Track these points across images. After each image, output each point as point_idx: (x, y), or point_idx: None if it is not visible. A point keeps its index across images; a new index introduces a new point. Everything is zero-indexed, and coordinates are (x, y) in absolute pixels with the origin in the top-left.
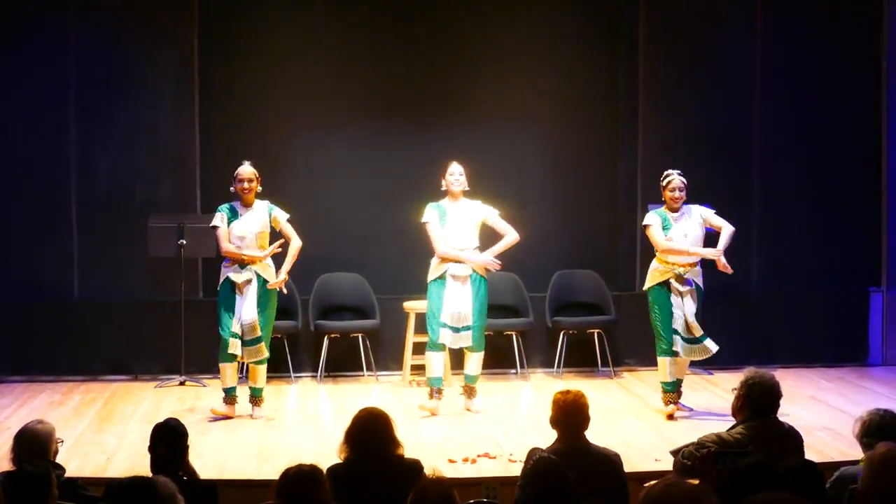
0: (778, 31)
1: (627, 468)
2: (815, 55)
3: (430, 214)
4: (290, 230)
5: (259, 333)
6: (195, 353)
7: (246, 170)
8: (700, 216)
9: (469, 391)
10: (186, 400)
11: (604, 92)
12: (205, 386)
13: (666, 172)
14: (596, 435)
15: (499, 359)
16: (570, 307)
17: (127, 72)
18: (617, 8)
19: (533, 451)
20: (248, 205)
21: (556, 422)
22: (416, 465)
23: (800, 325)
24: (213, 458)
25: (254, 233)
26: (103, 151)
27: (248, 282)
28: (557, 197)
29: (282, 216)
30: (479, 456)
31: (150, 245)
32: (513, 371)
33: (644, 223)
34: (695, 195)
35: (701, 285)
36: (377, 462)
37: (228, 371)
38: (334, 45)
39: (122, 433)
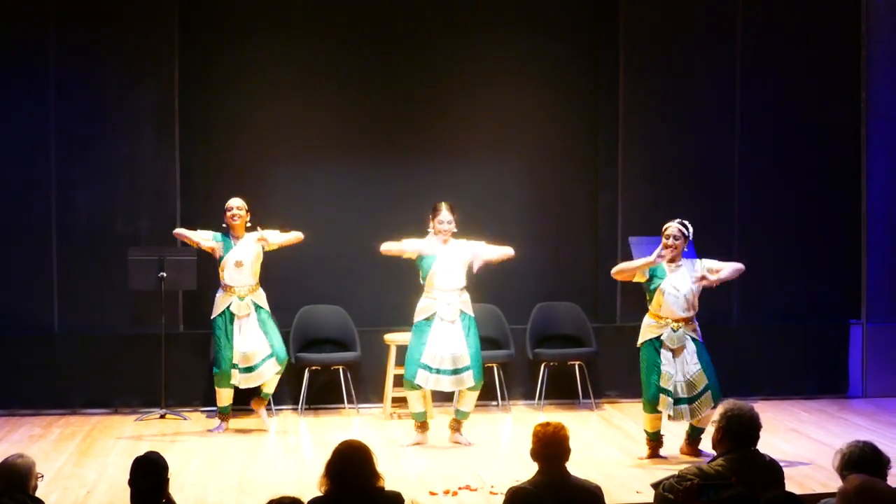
0: (757, 65)
1: (608, 501)
2: (795, 89)
3: (415, 242)
4: (286, 235)
5: (256, 362)
6: (175, 386)
7: (234, 200)
8: (699, 271)
9: (457, 426)
10: (167, 433)
11: (584, 125)
12: (185, 419)
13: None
14: (577, 467)
15: (480, 391)
16: (551, 339)
17: (108, 106)
18: (597, 43)
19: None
20: (238, 236)
21: (536, 454)
22: (396, 498)
23: (780, 358)
24: (193, 491)
25: (250, 260)
26: (84, 185)
27: (248, 314)
28: (538, 230)
29: (270, 233)
30: (460, 488)
31: (131, 278)
32: (494, 403)
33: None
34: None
35: (699, 339)
36: (358, 494)
37: (224, 394)
38: (314, 81)
39: (103, 467)
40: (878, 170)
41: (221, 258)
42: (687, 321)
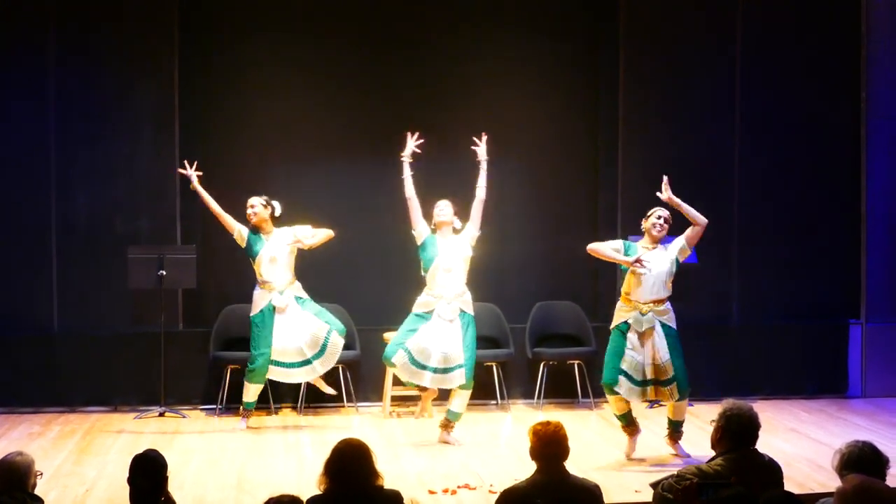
0: (757, 65)
1: (607, 500)
2: (795, 89)
3: (424, 228)
4: (319, 233)
5: (308, 356)
6: (175, 385)
7: (251, 199)
8: (674, 251)
9: (447, 425)
10: (166, 431)
11: (584, 125)
12: (184, 417)
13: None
14: (575, 466)
15: (479, 390)
16: (551, 338)
17: (107, 106)
18: (597, 43)
19: (505, 491)
20: (267, 231)
21: (535, 453)
22: (395, 497)
23: (780, 358)
24: (192, 489)
25: (283, 255)
26: (83, 185)
27: (286, 305)
28: (538, 229)
29: (303, 233)
30: (459, 487)
31: (130, 277)
32: (493, 402)
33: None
34: (674, 229)
35: (671, 325)
36: (357, 493)
37: (254, 390)
38: (313, 80)
39: (102, 465)
40: (878, 170)
41: (255, 255)
42: (658, 303)
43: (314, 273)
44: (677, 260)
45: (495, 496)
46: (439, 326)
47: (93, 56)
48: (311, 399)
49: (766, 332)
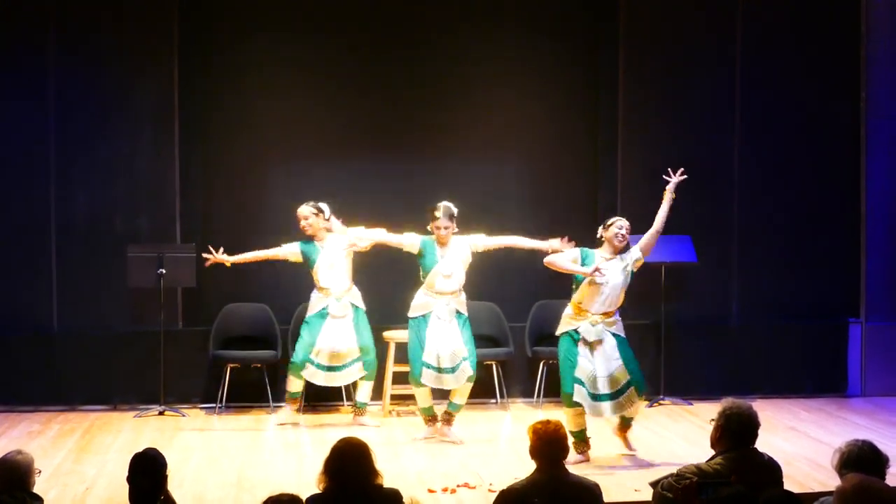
0: (757, 66)
1: (606, 499)
2: (795, 89)
3: (413, 239)
4: (374, 235)
5: (345, 362)
6: (174, 383)
7: (302, 209)
8: (630, 262)
9: (449, 419)
10: (166, 430)
11: (583, 125)
12: (184, 416)
13: (612, 218)
14: (575, 465)
15: (479, 388)
16: (550, 337)
17: (107, 105)
18: (597, 42)
19: (503, 491)
20: (321, 238)
21: (535, 452)
22: (395, 495)
23: (779, 357)
24: (192, 487)
25: (341, 261)
26: (83, 184)
27: (345, 315)
28: (537, 229)
29: (357, 235)
30: (458, 486)
31: (130, 275)
32: (493, 401)
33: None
34: (674, 228)
35: (620, 333)
36: (356, 492)
37: (295, 381)
38: (314, 80)
39: (101, 463)
40: (877, 170)
41: (313, 265)
42: (608, 314)
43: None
44: (632, 272)
45: (495, 495)
46: (439, 327)
47: (93, 56)
48: (310, 398)
49: (765, 332)
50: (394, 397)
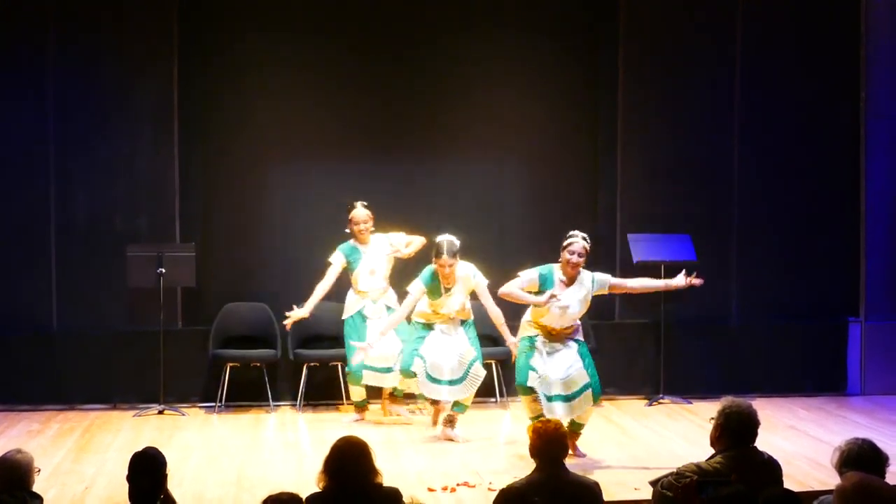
0: (757, 66)
1: (606, 498)
2: (795, 89)
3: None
4: (415, 242)
5: (391, 363)
6: (174, 383)
7: (360, 213)
8: (592, 288)
9: (452, 420)
10: (165, 429)
11: (583, 125)
12: (183, 415)
13: (571, 233)
14: (575, 464)
15: (479, 388)
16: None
17: (107, 104)
18: (596, 42)
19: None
20: (365, 242)
21: (535, 451)
22: (394, 494)
23: (779, 356)
24: (192, 486)
25: (382, 265)
26: (83, 183)
27: (381, 317)
28: (537, 228)
29: (397, 240)
30: (458, 485)
31: (130, 275)
32: (492, 399)
33: (530, 269)
34: (673, 227)
35: (581, 338)
36: (356, 491)
37: (356, 390)
38: (313, 79)
39: (101, 462)
40: (877, 169)
41: (353, 268)
42: (567, 329)
43: (312, 271)
44: (593, 297)
45: (494, 494)
46: (442, 339)
47: (92, 56)
48: (309, 397)
49: (765, 331)
50: (392, 396)
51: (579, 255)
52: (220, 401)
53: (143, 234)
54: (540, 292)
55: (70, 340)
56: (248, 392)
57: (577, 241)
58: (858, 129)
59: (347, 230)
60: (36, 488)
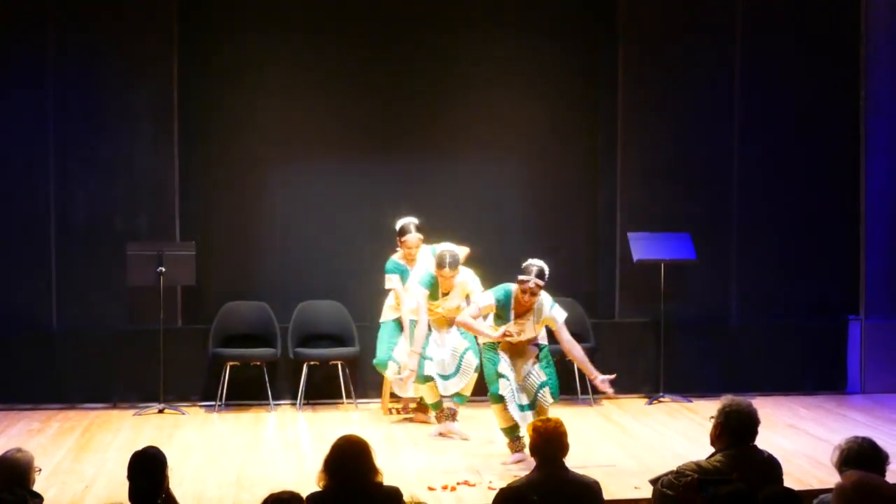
0: (757, 66)
1: (606, 496)
2: (794, 89)
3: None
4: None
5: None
6: (174, 381)
7: (413, 239)
8: (545, 315)
9: (454, 414)
10: (165, 428)
11: (583, 125)
12: (184, 414)
13: (528, 263)
14: (575, 463)
15: (479, 386)
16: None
17: (106, 103)
18: (596, 43)
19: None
20: (413, 263)
21: (535, 449)
22: (395, 493)
23: (778, 355)
24: (192, 486)
25: None
26: (82, 182)
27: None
28: (537, 228)
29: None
30: (458, 484)
31: (129, 274)
32: None
33: (488, 292)
34: (673, 226)
35: (541, 342)
36: (356, 489)
37: (427, 391)
38: (313, 79)
39: (101, 461)
40: (876, 168)
41: (400, 287)
42: (528, 342)
43: (312, 271)
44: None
45: (494, 493)
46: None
47: (92, 55)
48: (310, 396)
49: (765, 329)
50: (393, 395)
51: (532, 293)
52: (221, 400)
53: (143, 233)
54: (497, 315)
55: (70, 339)
56: (248, 391)
57: (531, 278)
58: (858, 128)
59: (398, 248)
60: (36, 487)
